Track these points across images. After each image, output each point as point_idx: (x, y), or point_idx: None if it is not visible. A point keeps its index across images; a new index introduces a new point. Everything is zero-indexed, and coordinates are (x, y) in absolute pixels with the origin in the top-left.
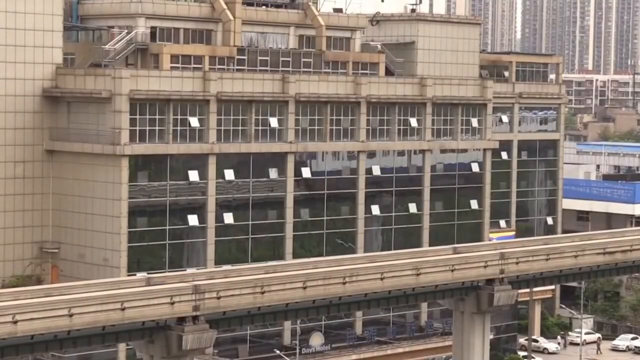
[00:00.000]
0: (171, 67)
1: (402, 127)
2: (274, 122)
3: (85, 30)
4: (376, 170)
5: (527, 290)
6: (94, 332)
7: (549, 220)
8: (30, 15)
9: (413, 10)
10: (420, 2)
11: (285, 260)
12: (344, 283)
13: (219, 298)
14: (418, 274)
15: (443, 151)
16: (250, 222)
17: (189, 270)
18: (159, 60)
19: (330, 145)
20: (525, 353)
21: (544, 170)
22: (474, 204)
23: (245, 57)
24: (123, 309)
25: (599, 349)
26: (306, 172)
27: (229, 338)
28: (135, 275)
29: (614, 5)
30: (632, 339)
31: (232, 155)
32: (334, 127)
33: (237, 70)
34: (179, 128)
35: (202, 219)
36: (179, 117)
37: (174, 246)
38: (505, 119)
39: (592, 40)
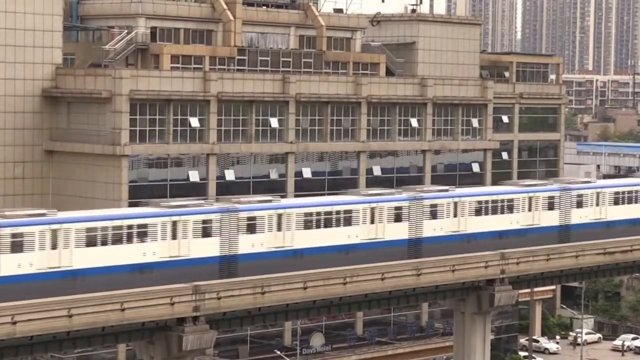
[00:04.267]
0: (171, 68)
1: (402, 128)
2: (274, 122)
3: (85, 30)
4: (377, 171)
5: (528, 290)
6: (93, 332)
7: None
8: (30, 15)
9: (413, 11)
10: (421, 2)
11: None
12: (344, 283)
13: (219, 298)
14: (419, 274)
15: (444, 151)
16: None
17: None
18: (159, 60)
19: (330, 145)
20: (526, 353)
21: (544, 171)
22: None
23: (246, 58)
24: (123, 310)
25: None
26: (307, 173)
27: (229, 339)
28: None
29: (614, 5)
30: (633, 339)
31: (233, 156)
32: (335, 128)
33: (238, 70)
34: (179, 128)
35: None
36: (179, 117)
37: None
38: (505, 119)
39: (592, 41)
